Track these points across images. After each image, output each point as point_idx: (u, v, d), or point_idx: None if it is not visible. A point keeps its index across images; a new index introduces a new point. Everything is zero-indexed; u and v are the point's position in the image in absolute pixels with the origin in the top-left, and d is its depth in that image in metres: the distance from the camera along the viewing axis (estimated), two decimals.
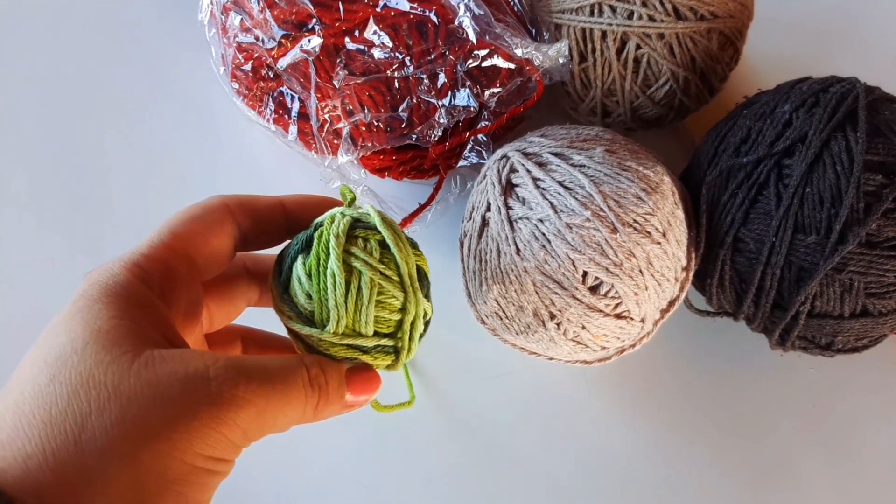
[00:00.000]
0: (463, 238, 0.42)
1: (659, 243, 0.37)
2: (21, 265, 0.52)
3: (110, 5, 0.60)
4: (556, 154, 0.39)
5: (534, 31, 0.49)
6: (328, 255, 0.29)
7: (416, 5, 0.44)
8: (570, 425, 0.47)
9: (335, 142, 0.46)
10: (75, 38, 0.59)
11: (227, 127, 0.55)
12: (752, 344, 0.47)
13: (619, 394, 0.48)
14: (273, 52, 0.45)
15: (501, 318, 0.40)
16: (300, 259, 0.30)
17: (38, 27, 0.60)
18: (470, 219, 0.41)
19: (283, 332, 0.32)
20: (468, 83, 0.45)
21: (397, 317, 0.31)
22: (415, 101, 0.45)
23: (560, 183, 0.37)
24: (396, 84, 0.45)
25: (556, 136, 0.41)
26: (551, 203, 0.37)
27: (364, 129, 0.46)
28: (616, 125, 0.51)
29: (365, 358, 0.31)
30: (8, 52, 0.59)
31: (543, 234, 0.37)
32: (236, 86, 0.49)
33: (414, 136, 0.46)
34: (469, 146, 0.48)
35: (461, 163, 0.48)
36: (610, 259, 0.36)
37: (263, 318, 0.36)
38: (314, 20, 0.44)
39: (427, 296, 0.32)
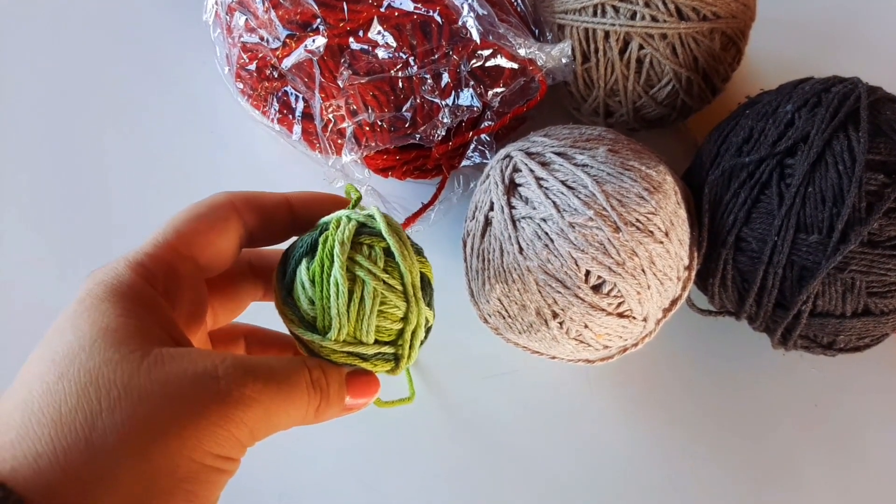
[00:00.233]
0: (466, 237, 0.42)
1: (661, 242, 0.37)
2: (23, 264, 0.52)
3: (114, 5, 0.60)
4: (559, 154, 0.39)
5: (537, 31, 0.49)
6: (332, 262, 0.29)
7: (419, 5, 0.44)
8: (571, 424, 0.47)
9: (339, 141, 0.47)
10: (78, 38, 0.60)
11: (231, 127, 0.56)
12: (754, 343, 0.47)
13: (622, 393, 0.48)
14: (277, 52, 0.45)
15: (504, 317, 0.41)
16: (304, 263, 0.30)
17: (40, 27, 0.60)
18: (473, 218, 0.41)
19: (286, 330, 0.32)
20: (471, 83, 0.45)
21: (399, 326, 0.31)
22: (418, 100, 0.45)
23: (563, 182, 0.38)
24: (400, 84, 0.45)
25: (559, 135, 0.41)
26: (554, 202, 0.37)
27: (368, 128, 0.46)
28: (619, 125, 0.51)
29: (365, 365, 0.31)
30: (10, 52, 0.59)
31: (546, 234, 0.37)
32: (241, 86, 0.50)
33: (417, 136, 0.46)
34: (472, 146, 0.48)
35: (464, 162, 0.49)
36: (613, 258, 0.36)
37: (267, 314, 0.36)
38: (318, 20, 0.44)
39: (430, 303, 0.32)
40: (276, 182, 0.53)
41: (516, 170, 0.39)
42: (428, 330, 0.33)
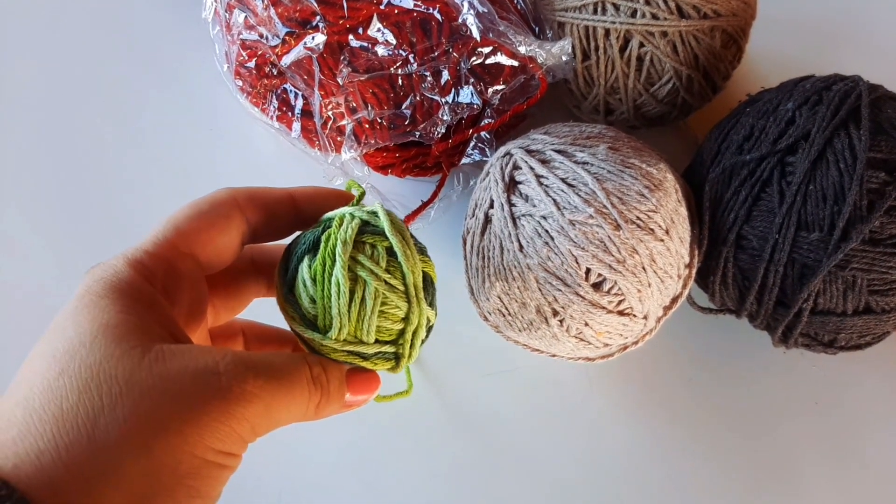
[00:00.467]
0: (466, 235, 0.42)
1: (662, 240, 0.37)
2: (24, 262, 0.52)
3: (113, 2, 0.60)
4: (559, 151, 0.39)
5: (537, 28, 0.49)
6: (334, 261, 0.29)
7: (419, 3, 0.44)
8: (571, 422, 0.47)
9: (338, 139, 0.47)
10: (77, 36, 0.59)
11: (230, 124, 0.55)
12: (755, 341, 0.47)
13: (622, 390, 0.48)
14: (277, 50, 0.45)
15: (504, 315, 0.40)
16: (306, 260, 0.30)
17: (40, 25, 0.60)
18: (473, 216, 0.41)
19: (284, 325, 0.32)
20: (471, 80, 0.45)
21: (400, 326, 0.31)
22: (418, 98, 0.45)
23: (563, 180, 0.37)
24: (400, 81, 0.45)
25: (559, 133, 0.41)
26: (554, 200, 0.37)
27: (367, 126, 0.46)
28: (619, 123, 0.51)
29: (365, 364, 0.31)
30: (9, 51, 0.59)
31: (546, 231, 0.37)
32: (240, 83, 0.49)
33: (417, 134, 0.46)
34: (472, 143, 0.48)
35: (464, 160, 0.48)
36: (613, 256, 0.36)
37: (267, 309, 0.36)
38: (318, 17, 0.44)
39: (431, 303, 0.32)
40: (275, 180, 0.53)
41: (516, 167, 0.39)
42: (429, 329, 0.33)
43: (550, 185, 0.37)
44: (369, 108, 0.45)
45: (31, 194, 0.54)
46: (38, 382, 0.23)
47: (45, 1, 0.60)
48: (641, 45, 0.45)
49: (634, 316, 0.39)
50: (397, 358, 0.31)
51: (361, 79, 0.44)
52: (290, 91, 0.47)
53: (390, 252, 0.30)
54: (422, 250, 0.32)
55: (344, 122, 0.45)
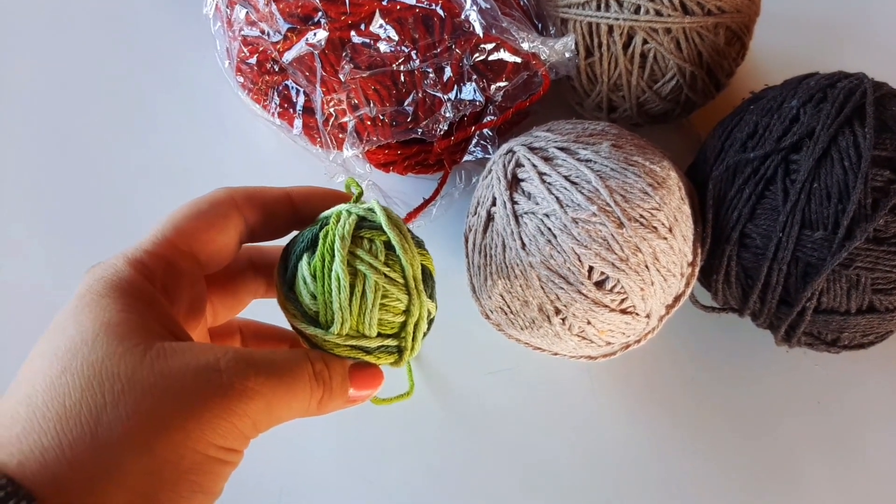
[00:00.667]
0: (468, 233, 0.42)
1: (665, 238, 0.37)
2: (24, 263, 0.52)
3: (114, 0, 0.60)
4: (562, 149, 0.38)
5: (540, 25, 0.49)
6: (333, 257, 0.29)
7: None
8: (573, 420, 0.47)
9: (340, 136, 0.46)
10: (79, 33, 0.59)
11: (231, 121, 0.55)
12: (758, 340, 0.46)
13: (624, 389, 0.48)
14: (278, 46, 0.45)
15: (506, 313, 0.40)
16: (305, 258, 0.30)
17: (40, 23, 0.60)
18: (475, 213, 0.41)
19: (281, 323, 0.32)
20: (474, 77, 0.45)
21: (401, 318, 0.31)
22: (420, 95, 0.45)
23: (566, 178, 0.37)
24: (402, 78, 0.45)
25: (562, 130, 0.40)
26: (557, 198, 0.37)
27: (369, 123, 0.46)
28: (622, 120, 0.50)
29: (368, 358, 0.31)
30: (11, 50, 0.59)
31: (549, 229, 0.37)
32: (241, 79, 0.49)
33: (419, 131, 0.46)
34: (474, 141, 0.48)
35: (466, 157, 0.48)
36: (616, 254, 0.36)
37: (264, 308, 0.36)
38: (320, 13, 0.44)
39: (431, 295, 0.32)
40: (276, 177, 0.54)
41: (519, 165, 0.39)
42: (430, 322, 0.33)
43: (553, 183, 0.37)
44: (371, 104, 0.45)
45: (31, 194, 0.54)
46: (40, 380, 0.23)
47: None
48: (645, 41, 0.45)
49: (637, 314, 0.38)
50: (400, 351, 0.32)
51: (363, 75, 0.44)
52: (292, 88, 0.47)
53: (388, 246, 0.30)
54: (419, 244, 0.32)
55: (346, 119, 0.45)
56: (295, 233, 0.33)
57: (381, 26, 0.44)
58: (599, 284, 0.37)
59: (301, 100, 0.47)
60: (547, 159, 0.38)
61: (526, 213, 0.38)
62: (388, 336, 0.31)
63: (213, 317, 0.34)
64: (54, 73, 0.58)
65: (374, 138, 0.46)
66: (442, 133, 0.46)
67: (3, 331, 0.50)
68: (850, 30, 0.58)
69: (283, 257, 0.32)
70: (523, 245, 0.38)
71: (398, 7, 0.44)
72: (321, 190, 0.34)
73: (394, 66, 0.44)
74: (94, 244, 0.52)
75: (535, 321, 0.39)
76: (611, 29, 0.45)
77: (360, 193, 0.33)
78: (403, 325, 0.31)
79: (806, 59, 0.50)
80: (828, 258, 0.37)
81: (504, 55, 0.45)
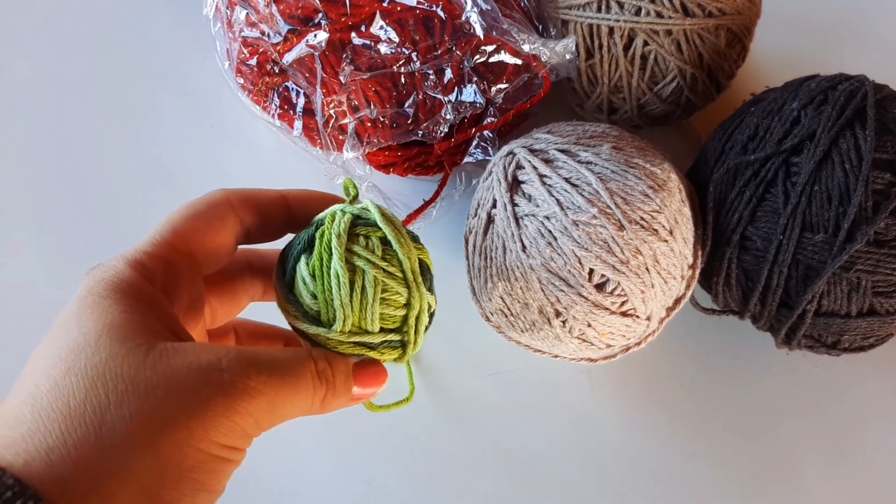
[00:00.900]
0: (468, 235, 0.42)
1: (666, 241, 0.37)
2: (24, 262, 0.52)
3: (113, 0, 0.60)
4: (562, 151, 0.38)
5: (540, 26, 0.49)
6: (331, 255, 0.29)
7: (422, 0, 0.44)
8: (573, 422, 0.47)
9: (340, 138, 0.46)
10: (77, 34, 0.59)
11: (231, 122, 0.55)
12: (758, 342, 0.46)
13: (624, 391, 0.48)
14: (278, 47, 0.45)
15: (506, 316, 0.40)
16: (303, 259, 0.30)
17: (39, 22, 0.60)
18: (475, 215, 0.41)
19: (277, 322, 0.32)
20: (474, 79, 0.45)
21: (402, 312, 0.31)
22: (421, 96, 0.45)
23: (567, 180, 0.37)
24: (402, 80, 0.45)
25: (562, 132, 0.40)
26: (558, 200, 0.37)
27: (369, 125, 0.45)
28: (622, 122, 0.50)
29: (372, 354, 0.31)
30: (11, 50, 0.59)
31: (550, 232, 0.37)
32: (241, 81, 0.49)
33: (419, 133, 0.46)
34: (475, 142, 0.48)
35: (466, 159, 0.48)
36: (616, 256, 0.36)
37: (258, 308, 0.37)
38: (320, 15, 0.44)
39: (430, 288, 0.33)
40: (276, 178, 0.54)
41: (519, 167, 0.39)
42: (431, 315, 0.33)
43: (554, 185, 0.37)
44: (371, 106, 0.45)
45: (31, 194, 0.54)
46: (44, 381, 0.23)
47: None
48: (645, 43, 0.45)
49: (637, 317, 0.38)
50: (403, 345, 0.32)
51: (364, 77, 0.44)
52: (292, 89, 0.47)
53: (384, 242, 0.31)
54: (415, 238, 0.33)
55: (346, 121, 0.45)
56: (291, 236, 0.33)
57: (381, 28, 0.44)
58: (600, 287, 0.37)
59: (301, 101, 0.47)
60: (547, 161, 0.38)
61: (526, 215, 0.38)
62: (391, 331, 0.31)
63: (212, 318, 0.35)
64: (54, 72, 0.58)
65: (375, 140, 0.46)
66: (442, 135, 0.46)
67: (2, 331, 0.49)
68: (851, 32, 0.58)
69: (280, 260, 0.32)
70: (524, 247, 0.37)
71: (399, 8, 0.44)
72: (316, 193, 0.34)
73: (394, 67, 0.44)
74: (93, 244, 0.52)
75: (536, 323, 0.39)
76: (611, 30, 0.45)
77: (356, 196, 0.33)
78: (405, 318, 0.31)
79: (807, 61, 0.50)
80: (828, 261, 0.37)
81: (505, 57, 0.45)
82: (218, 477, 0.25)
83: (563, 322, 0.38)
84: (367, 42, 0.44)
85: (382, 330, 0.31)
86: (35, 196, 0.54)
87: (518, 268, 0.38)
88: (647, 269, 0.37)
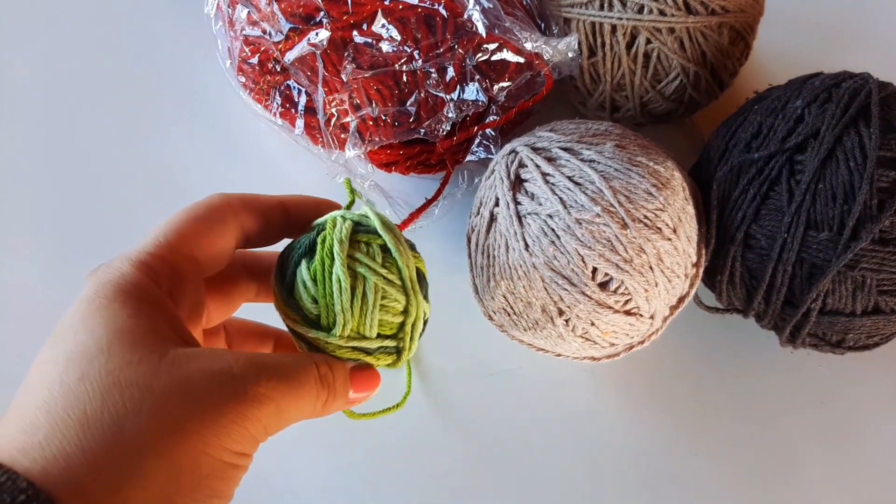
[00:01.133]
0: (470, 233, 0.41)
1: (669, 239, 0.37)
2: (24, 263, 0.52)
3: None
4: (565, 149, 0.38)
5: (543, 24, 0.49)
6: (333, 260, 0.30)
7: None
8: (576, 421, 0.47)
9: (342, 136, 0.46)
10: (78, 33, 0.59)
11: (233, 121, 0.55)
12: (762, 341, 0.46)
13: (627, 390, 0.48)
14: (280, 46, 0.45)
15: (509, 314, 0.40)
16: (304, 263, 0.31)
17: (40, 22, 0.59)
18: (478, 214, 0.41)
19: (272, 322, 0.32)
20: (477, 77, 0.45)
21: (399, 319, 0.32)
22: (423, 95, 0.45)
23: (570, 178, 0.37)
24: (404, 78, 0.45)
25: (565, 130, 0.40)
26: (561, 198, 0.37)
27: (371, 123, 0.45)
28: (625, 120, 0.50)
29: (368, 359, 0.32)
30: (11, 50, 0.59)
31: (553, 230, 0.37)
32: (243, 79, 0.49)
33: (422, 131, 0.46)
34: (477, 141, 0.48)
35: (469, 157, 0.48)
36: (620, 255, 0.36)
37: (247, 307, 0.37)
38: (322, 13, 0.44)
39: (426, 297, 0.33)
40: (277, 177, 0.53)
41: (522, 165, 0.39)
42: (425, 322, 0.34)
43: (557, 184, 0.37)
44: (373, 105, 0.45)
45: (32, 194, 0.54)
46: (57, 387, 0.23)
47: None
48: (648, 41, 0.45)
49: (641, 315, 0.38)
50: (398, 352, 0.32)
51: (365, 75, 0.44)
52: (294, 88, 0.47)
53: (384, 249, 0.31)
54: (412, 246, 0.33)
55: (348, 119, 0.45)
56: (290, 241, 0.33)
57: (383, 26, 0.44)
58: (603, 285, 0.37)
59: (303, 100, 0.47)
60: (550, 160, 0.38)
61: (529, 213, 0.38)
62: (387, 337, 0.32)
63: (207, 319, 0.35)
64: (54, 72, 0.58)
65: (377, 138, 0.46)
66: (444, 133, 0.46)
67: (2, 331, 0.49)
68: (855, 29, 0.58)
69: (279, 264, 0.32)
70: (526, 246, 0.37)
71: (400, 7, 0.44)
72: (313, 199, 0.35)
73: (396, 66, 0.44)
74: (94, 244, 0.51)
75: (539, 322, 0.39)
76: (614, 28, 0.45)
77: (352, 202, 0.34)
78: (402, 325, 0.32)
79: (810, 58, 0.50)
80: (833, 259, 0.37)
81: (507, 55, 0.45)
82: (229, 483, 0.26)
83: (567, 321, 0.38)
84: (369, 40, 0.44)
85: (379, 336, 0.31)
86: (35, 196, 0.54)
87: (521, 266, 0.38)
88: (650, 267, 0.37)
